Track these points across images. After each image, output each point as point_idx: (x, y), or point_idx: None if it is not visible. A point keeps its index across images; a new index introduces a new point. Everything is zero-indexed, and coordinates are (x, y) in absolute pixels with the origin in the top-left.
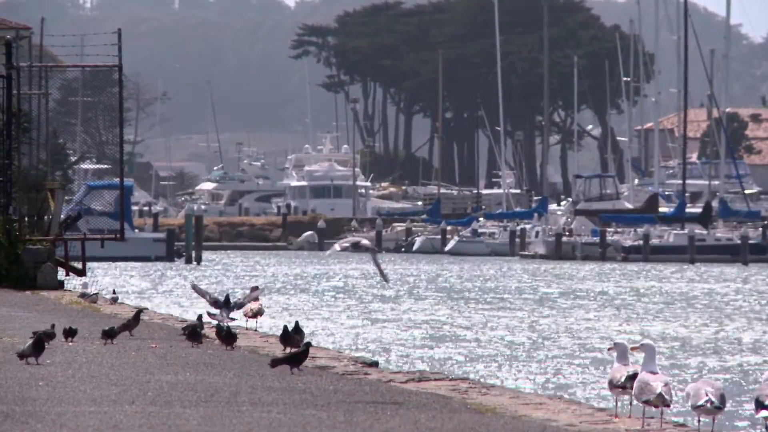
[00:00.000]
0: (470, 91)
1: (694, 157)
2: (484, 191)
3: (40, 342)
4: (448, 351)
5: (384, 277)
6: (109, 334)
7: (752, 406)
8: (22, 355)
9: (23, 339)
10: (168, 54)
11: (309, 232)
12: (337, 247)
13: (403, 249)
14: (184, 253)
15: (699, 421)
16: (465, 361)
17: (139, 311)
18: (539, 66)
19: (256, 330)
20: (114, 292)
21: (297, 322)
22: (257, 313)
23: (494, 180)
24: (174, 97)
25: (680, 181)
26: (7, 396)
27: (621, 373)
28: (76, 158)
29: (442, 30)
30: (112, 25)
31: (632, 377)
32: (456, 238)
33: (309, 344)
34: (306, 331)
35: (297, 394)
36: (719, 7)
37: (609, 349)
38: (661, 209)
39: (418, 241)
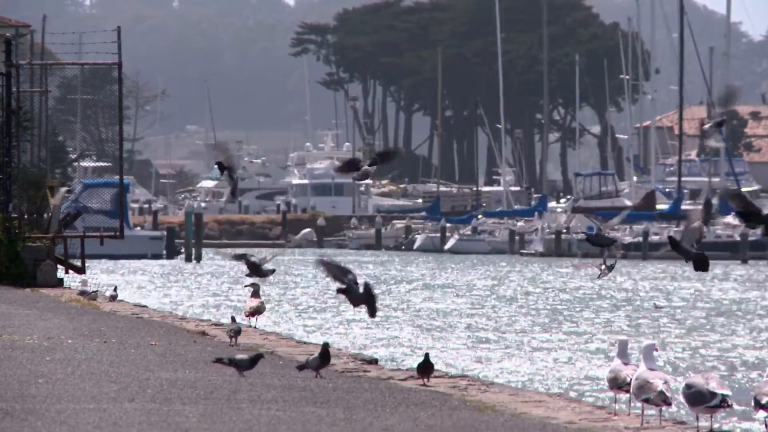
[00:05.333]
0: (470, 89)
1: (693, 154)
2: (484, 189)
3: (327, 353)
4: (448, 348)
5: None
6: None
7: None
8: (303, 367)
9: (23, 336)
10: (167, 52)
11: (306, 230)
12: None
13: (403, 247)
14: (183, 251)
15: (698, 418)
16: (465, 359)
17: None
18: (538, 64)
19: (255, 327)
20: (115, 290)
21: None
22: (257, 311)
23: (494, 178)
24: (173, 94)
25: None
26: (7, 393)
27: (625, 373)
28: (75, 156)
29: (441, 28)
30: (111, 23)
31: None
32: (456, 236)
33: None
34: (304, 329)
35: (296, 392)
36: (719, 5)
37: (612, 345)
38: (660, 206)
39: (419, 239)
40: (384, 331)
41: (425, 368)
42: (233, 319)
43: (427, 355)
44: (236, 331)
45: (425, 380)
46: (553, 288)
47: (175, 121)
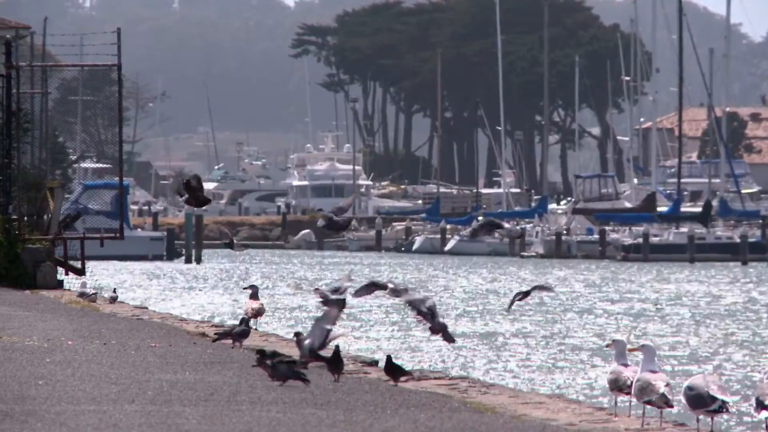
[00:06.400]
0: (470, 90)
1: (694, 156)
2: (484, 190)
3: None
4: (448, 349)
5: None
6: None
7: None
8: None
9: (23, 338)
10: (167, 53)
11: (305, 231)
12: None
13: (402, 249)
14: (183, 253)
15: (698, 420)
16: (465, 360)
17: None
18: (539, 65)
19: (255, 329)
20: (114, 291)
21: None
22: (258, 313)
23: (494, 179)
24: (173, 96)
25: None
26: (7, 395)
27: (625, 376)
28: (75, 157)
29: (441, 29)
30: (111, 24)
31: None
32: (456, 237)
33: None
34: (304, 330)
35: (297, 393)
36: (719, 6)
37: (607, 345)
38: (660, 208)
39: (417, 241)
40: (384, 333)
41: (392, 369)
42: (246, 322)
43: (389, 358)
44: (239, 334)
45: (395, 382)
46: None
47: (175, 122)
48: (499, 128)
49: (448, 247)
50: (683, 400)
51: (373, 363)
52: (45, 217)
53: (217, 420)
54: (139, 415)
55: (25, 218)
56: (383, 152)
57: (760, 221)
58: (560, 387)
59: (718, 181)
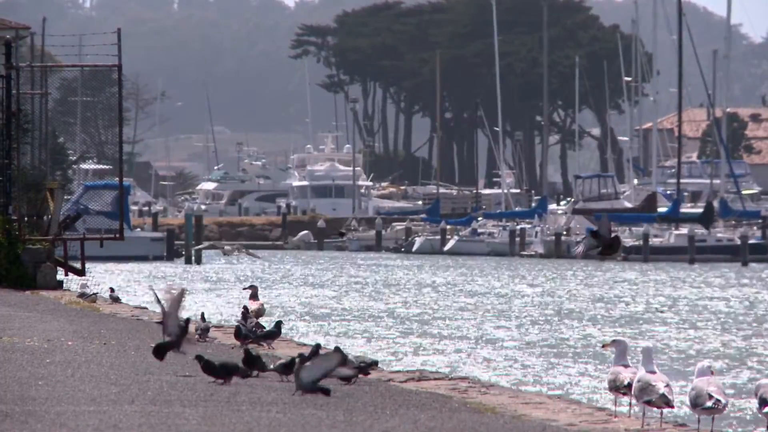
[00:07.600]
0: (470, 91)
1: (694, 156)
2: (484, 191)
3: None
4: (448, 350)
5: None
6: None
7: (748, 403)
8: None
9: (23, 339)
10: (167, 54)
11: (304, 232)
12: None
13: (402, 249)
14: (183, 253)
15: (699, 420)
16: (465, 361)
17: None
18: (538, 66)
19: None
20: (112, 291)
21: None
22: (258, 313)
23: (494, 180)
24: (173, 97)
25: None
26: (7, 395)
27: (623, 376)
28: (75, 158)
29: (441, 30)
30: (111, 24)
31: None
32: (455, 237)
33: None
34: (304, 331)
35: (296, 394)
36: (719, 7)
37: (604, 346)
38: (661, 208)
39: (417, 242)
40: (384, 333)
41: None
42: (278, 324)
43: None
44: (264, 336)
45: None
46: (554, 290)
47: (175, 123)
48: (497, 129)
49: (447, 247)
50: (687, 401)
51: (373, 364)
52: (45, 217)
53: (217, 420)
54: (139, 415)
55: (25, 219)
56: (383, 153)
57: (760, 221)
58: (560, 387)
59: (718, 181)
